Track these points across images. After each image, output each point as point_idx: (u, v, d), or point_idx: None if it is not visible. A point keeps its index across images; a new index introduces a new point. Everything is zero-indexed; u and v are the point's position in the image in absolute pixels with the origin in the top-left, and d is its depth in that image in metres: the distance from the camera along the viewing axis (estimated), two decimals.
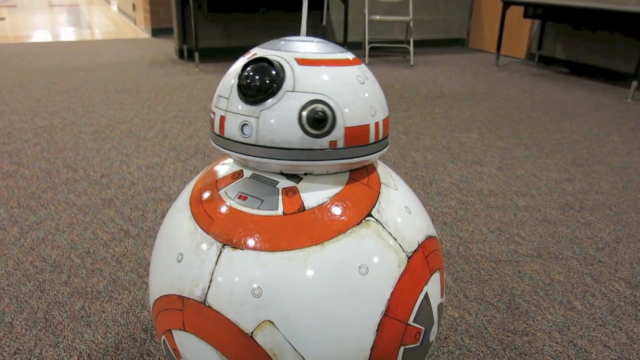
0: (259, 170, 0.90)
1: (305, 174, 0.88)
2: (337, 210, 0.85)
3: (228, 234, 0.83)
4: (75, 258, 1.67)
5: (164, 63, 5.01)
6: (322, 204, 0.85)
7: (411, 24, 5.25)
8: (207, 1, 4.82)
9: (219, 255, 0.82)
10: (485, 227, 1.94)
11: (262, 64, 0.84)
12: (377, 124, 0.88)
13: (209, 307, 0.81)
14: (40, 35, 6.77)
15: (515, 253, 1.77)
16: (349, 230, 0.83)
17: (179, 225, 0.90)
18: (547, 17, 4.71)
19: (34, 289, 1.51)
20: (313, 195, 0.86)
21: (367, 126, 0.86)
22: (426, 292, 0.89)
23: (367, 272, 0.82)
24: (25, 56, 5.19)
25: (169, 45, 6.10)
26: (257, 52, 0.89)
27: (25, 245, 1.74)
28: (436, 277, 0.93)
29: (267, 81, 0.82)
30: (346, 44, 5.42)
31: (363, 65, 0.92)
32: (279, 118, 0.82)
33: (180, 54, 5.29)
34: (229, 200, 0.87)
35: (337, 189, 0.87)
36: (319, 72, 0.85)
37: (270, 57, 0.85)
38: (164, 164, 2.47)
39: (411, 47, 5.19)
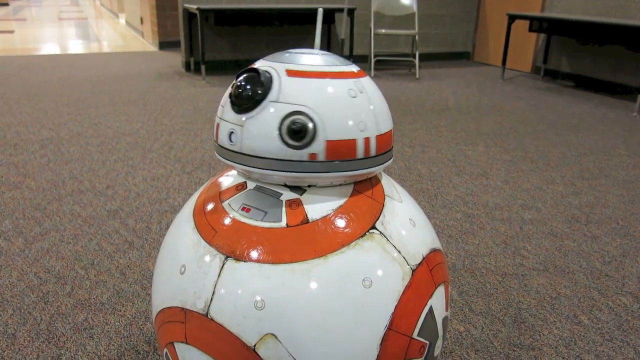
0: (262, 182, 0.90)
1: (309, 186, 0.88)
2: (340, 223, 0.84)
3: (231, 245, 0.82)
4: (80, 269, 1.67)
5: (171, 76, 5.04)
6: (325, 216, 0.84)
7: (417, 37, 5.28)
8: (214, 15, 4.87)
9: (222, 267, 0.81)
10: (491, 240, 1.93)
11: (251, 74, 0.86)
12: (367, 139, 0.86)
13: (212, 319, 0.80)
14: (49, 48, 6.84)
15: (521, 266, 1.75)
16: (353, 243, 0.82)
17: (182, 237, 0.90)
18: (552, 31, 4.72)
19: (37, 300, 1.51)
20: (317, 208, 0.85)
21: (353, 141, 0.84)
22: (431, 306, 0.88)
23: (371, 285, 0.80)
24: (34, 68, 5.24)
25: (175, 58, 6.14)
26: (261, 63, 0.90)
27: (29, 257, 1.74)
28: (441, 290, 0.92)
29: (254, 91, 0.84)
30: (352, 57, 5.44)
31: (363, 79, 0.91)
32: (260, 127, 0.83)
33: (187, 67, 5.33)
34: (233, 212, 0.86)
35: (341, 201, 0.86)
36: (306, 84, 0.84)
37: (261, 68, 0.86)
38: (170, 175, 2.48)
39: (417, 61, 5.21)
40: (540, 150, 2.99)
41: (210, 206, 0.91)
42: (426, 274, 0.88)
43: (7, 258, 1.73)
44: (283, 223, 0.83)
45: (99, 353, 1.30)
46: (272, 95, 0.83)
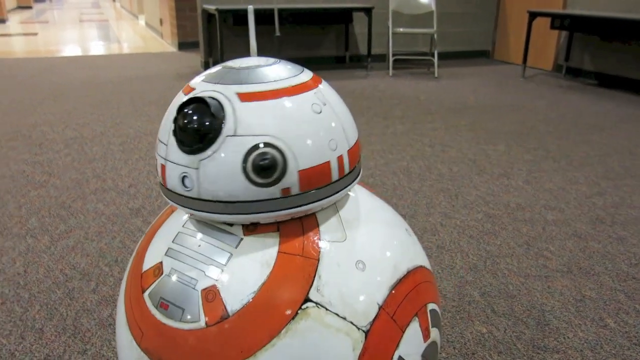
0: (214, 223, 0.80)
1: (239, 243, 0.78)
2: (265, 307, 0.71)
3: (158, 352, 0.75)
4: (104, 266, 1.69)
5: (190, 76, 5.08)
6: (247, 304, 0.72)
7: (435, 36, 5.25)
8: (232, 15, 4.90)
9: None
10: (513, 241, 1.91)
11: (197, 104, 0.73)
12: (340, 158, 0.76)
13: None
14: (71, 50, 6.94)
15: (544, 268, 1.73)
16: (284, 330, 0.70)
17: (120, 332, 0.84)
18: (574, 28, 4.66)
19: (63, 296, 1.53)
20: (236, 292, 0.73)
21: (327, 164, 0.75)
22: (399, 356, 0.77)
23: None
24: (57, 70, 5.33)
25: (194, 59, 6.19)
26: (197, 86, 0.78)
27: (55, 254, 1.77)
28: (413, 328, 0.80)
29: (204, 126, 0.71)
30: (370, 57, 5.43)
31: (321, 87, 0.80)
32: (220, 168, 0.71)
33: (206, 67, 5.37)
34: (153, 309, 0.77)
35: (263, 276, 0.73)
36: (265, 108, 0.73)
37: (207, 95, 0.74)
38: None
39: (435, 60, 5.18)
40: (563, 150, 2.95)
41: (134, 297, 0.81)
42: (386, 324, 0.76)
43: (34, 255, 1.76)
44: (202, 322, 0.72)
45: None
46: (227, 128, 0.71)
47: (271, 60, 0.81)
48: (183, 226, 0.83)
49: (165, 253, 0.80)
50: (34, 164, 2.61)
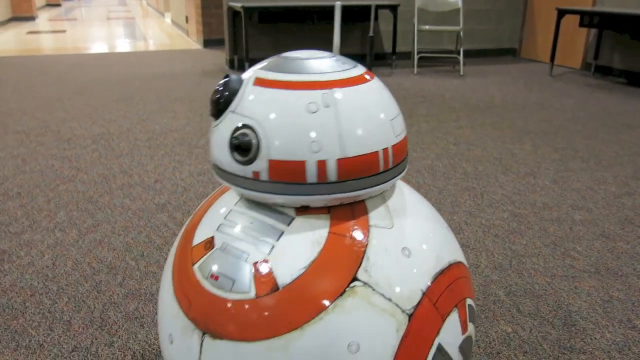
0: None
1: (291, 222, 0.80)
2: (315, 283, 0.74)
3: (205, 321, 0.77)
4: (130, 260, 1.72)
5: (216, 73, 5.12)
6: (297, 278, 0.74)
7: (461, 33, 5.19)
8: (258, 13, 4.92)
9: (202, 344, 0.77)
10: (539, 240, 1.88)
11: (225, 80, 0.82)
12: (321, 162, 0.75)
13: None
14: (99, 47, 7.05)
15: (571, 268, 1.70)
16: (332, 305, 0.72)
17: (166, 302, 0.86)
18: (604, 25, 4.56)
19: (90, 289, 1.56)
20: (286, 267, 0.75)
21: (301, 163, 0.75)
22: (439, 344, 0.79)
23: (358, 350, 0.72)
24: (85, 66, 5.42)
25: (220, 56, 6.24)
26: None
27: (83, 247, 1.80)
28: (453, 318, 0.82)
29: (220, 98, 0.80)
30: (395, 55, 5.40)
31: (341, 90, 0.79)
32: (218, 138, 0.80)
33: (231, 64, 5.40)
34: (203, 280, 0.80)
35: (313, 254, 0.76)
36: (262, 94, 0.78)
37: (235, 75, 0.82)
38: None
39: (461, 57, 5.13)
40: (591, 150, 2.90)
41: (183, 269, 0.85)
42: (428, 311, 0.78)
43: (62, 248, 1.79)
44: (252, 294, 0.75)
45: (149, 341, 1.34)
46: (233, 104, 0.80)
47: (332, 55, 0.84)
48: (235, 205, 0.86)
49: (217, 229, 0.83)
50: (62, 159, 2.66)
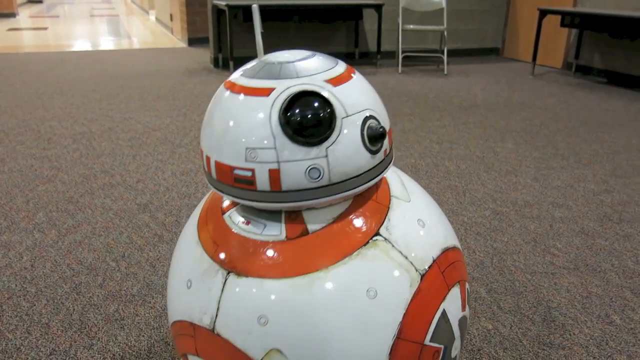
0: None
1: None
2: (341, 232, 0.81)
3: (232, 261, 0.81)
4: (111, 261, 1.70)
5: (200, 72, 5.10)
6: (326, 226, 0.82)
7: (445, 33, 5.22)
8: (243, 11, 4.90)
9: (225, 282, 0.80)
10: (520, 238, 1.90)
11: (308, 98, 0.76)
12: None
13: (218, 334, 0.80)
14: (81, 44, 6.98)
15: (551, 265, 1.72)
16: (355, 253, 0.79)
17: (187, 250, 0.90)
18: (584, 26, 4.61)
19: (70, 291, 1.55)
20: (316, 217, 0.82)
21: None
22: (444, 309, 0.85)
23: (375, 296, 0.78)
24: (67, 64, 5.36)
25: (204, 55, 6.20)
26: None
27: (62, 248, 1.78)
28: (455, 291, 0.89)
29: (327, 115, 0.76)
30: (379, 54, 5.41)
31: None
32: (346, 148, 0.78)
33: (216, 63, 5.37)
34: (233, 225, 0.85)
35: (342, 208, 0.84)
36: (352, 86, 0.83)
37: (300, 89, 0.77)
38: (198, 170, 2.51)
39: (445, 57, 5.16)
40: (572, 148, 2.93)
41: (212, 218, 0.89)
42: (437, 277, 0.85)
43: (41, 249, 1.77)
44: (282, 235, 0.81)
45: (129, 343, 1.33)
46: (339, 111, 0.78)
47: (307, 53, 0.86)
48: None
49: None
50: (42, 159, 2.63)
